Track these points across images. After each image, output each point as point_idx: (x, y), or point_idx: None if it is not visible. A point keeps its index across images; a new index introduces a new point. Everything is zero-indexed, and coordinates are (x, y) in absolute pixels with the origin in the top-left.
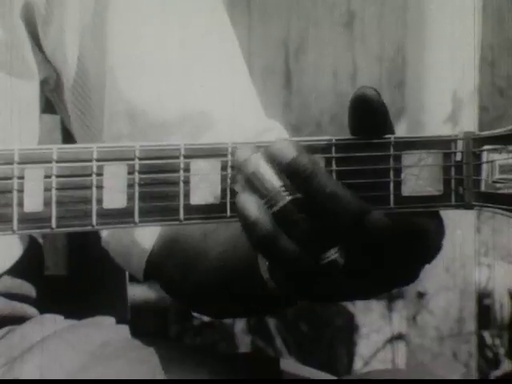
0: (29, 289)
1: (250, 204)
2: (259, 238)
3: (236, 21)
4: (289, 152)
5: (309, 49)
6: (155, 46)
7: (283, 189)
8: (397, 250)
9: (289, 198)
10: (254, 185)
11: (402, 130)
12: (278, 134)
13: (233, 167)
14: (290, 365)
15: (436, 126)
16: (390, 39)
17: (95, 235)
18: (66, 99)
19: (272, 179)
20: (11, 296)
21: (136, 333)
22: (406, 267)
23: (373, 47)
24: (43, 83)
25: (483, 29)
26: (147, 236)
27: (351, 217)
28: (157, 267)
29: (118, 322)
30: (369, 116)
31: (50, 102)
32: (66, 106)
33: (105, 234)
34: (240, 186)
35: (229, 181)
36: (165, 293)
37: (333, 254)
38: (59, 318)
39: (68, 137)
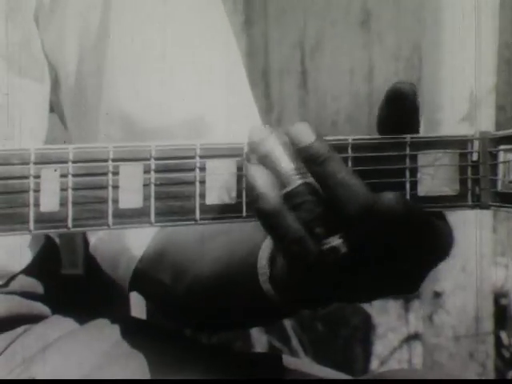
0: (45, 288)
1: (260, 176)
2: (264, 211)
3: (252, 21)
4: (307, 136)
5: (325, 48)
6: (154, 54)
7: (295, 172)
8: (405, 241)
9: (300, 182)
10: (267, 166)
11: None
12: None
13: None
14: (305, 365)
15: (452, 124)
16: (406, 38)
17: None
18: (63, 100)
19: (285, 162)
20: (27, 295)
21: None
22: (413, 264)
23: (389, 46)
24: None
25: (500, 27)
26: (138, 243)
27: (358, 206)
28: (144, 275)
29: (130, 321)
30: (400, 112)
31: None
32: (61, 106)
33: (93, 240)
34: (249, 164)
35: (244, 182)
36: (156, 309)
37: (335, 240)
38: (74, 318)
39: None
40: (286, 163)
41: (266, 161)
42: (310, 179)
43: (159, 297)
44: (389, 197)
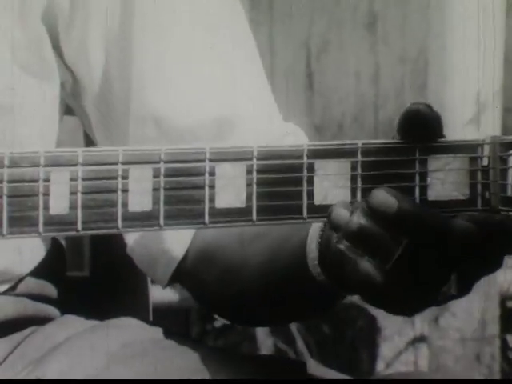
0: (51, 290)
1: (372, 270)
2: (374, 290)
3: (258, 22)
4: (389, 204)
5: (331, 50)
6: (180, 52)
7: (391, 241)
8: (486, 248)
9: (401, 249)
10: (361, 244)
11: None
12: (297, 137)
13: (326, 224)
14: (311, 367)
15: (459, 127)
16: (413, 40)
17: (119, 239)
18: (87, 104)
19: (379, 234)
20: (34, 297)
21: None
22: (494, 262)
23: (395, 48)
24: (62, 86)
25: (507, 29)
26: (177, 246)
27: (463, 246)
28: (187, 277)
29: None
30: (421, 130)
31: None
32: (84, 111)
33: (131, 241)
34: (345, 246)
35: (254, 186)
36: (200, 303)
37: (451, 289)
38: (82, 319)
39: (90, 139)
40: (381, 236)
41: (358, 239)
42: (405, 240)
43: (206, 297)
44: (460, 225)
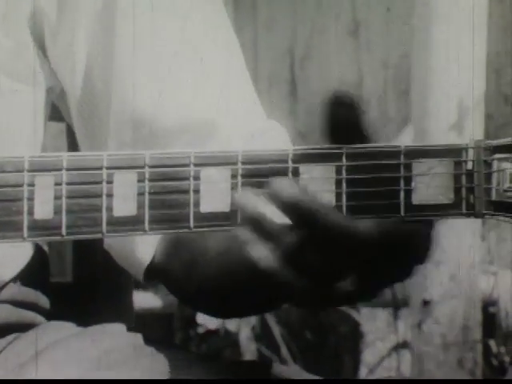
0: (35, 296)
1: (265, 255)
2: (266, 273)
3: (242, 28)
4: (291, 191)
5: (314, 56)
6: (161, 56)
7: (288, 228)
8: (386, 255)
9: (296, 238)
10: (257, 227)
11: (407, 138)
12: (278, 134)
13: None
14: (294, 372)
15: (441, 133)
16: (396, 47)
17: (101, 245)
18: (71, 108)
19: (275, 220)
20: (18, 303)
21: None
22: (396, 269)
23: (378, 55)
24: (49, 91)
25: (488, 36)
26: (149, 239)
27: (361, 250)
28: (160, 269)
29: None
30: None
31: (56, 108)
32: (71, 117)
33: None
34: (245, 230)
35: (239, 189)
36: (174, 296)
37: (348, 285)
38: (65, 325)
39: (73, 144)
40: (277, 222)
41: (255, 223)
42: (304, 231)
43: (177, 290)
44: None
